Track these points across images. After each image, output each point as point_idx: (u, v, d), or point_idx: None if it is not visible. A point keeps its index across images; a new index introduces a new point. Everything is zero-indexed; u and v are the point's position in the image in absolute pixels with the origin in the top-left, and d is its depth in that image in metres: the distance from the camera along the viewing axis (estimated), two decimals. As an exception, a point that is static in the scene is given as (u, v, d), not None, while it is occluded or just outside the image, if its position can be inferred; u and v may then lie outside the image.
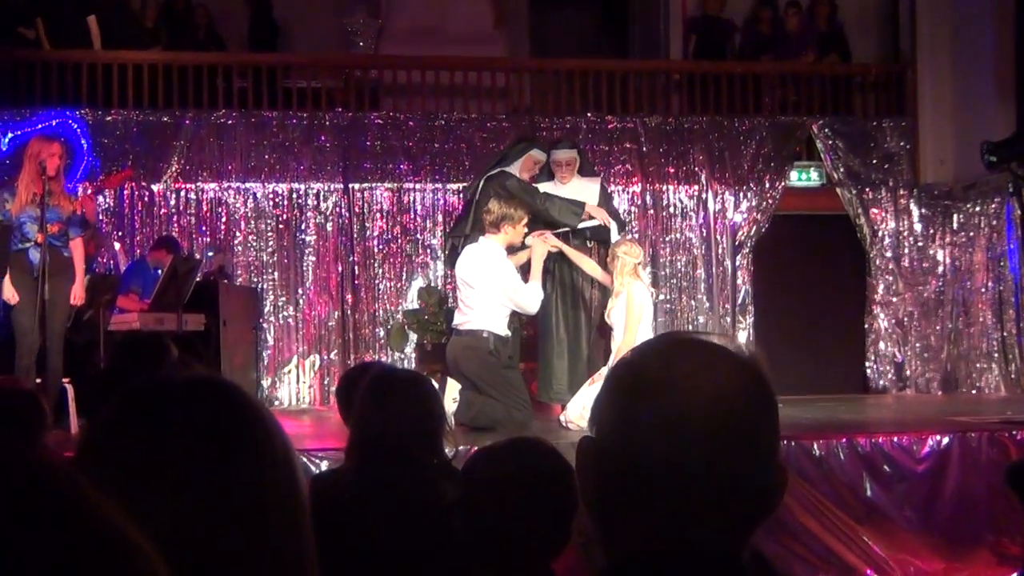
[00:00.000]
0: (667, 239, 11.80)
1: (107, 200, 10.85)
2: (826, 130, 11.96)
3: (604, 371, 7.48)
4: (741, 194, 11.84)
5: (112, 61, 11.13)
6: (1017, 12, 11.17)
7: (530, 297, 7.74)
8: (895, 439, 6.84)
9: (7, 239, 7.59)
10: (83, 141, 10.62)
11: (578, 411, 7.50)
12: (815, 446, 6.67)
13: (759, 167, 11.84)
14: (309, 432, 8.59)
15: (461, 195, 11.10)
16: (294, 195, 11.26)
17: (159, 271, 9.13)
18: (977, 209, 11.75)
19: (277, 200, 11.24)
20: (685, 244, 11.83)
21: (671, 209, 11.83)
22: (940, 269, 11.96)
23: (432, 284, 11.29)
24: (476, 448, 5.64)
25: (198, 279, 9.31)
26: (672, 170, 11.79)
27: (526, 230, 7.90)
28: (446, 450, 3.42)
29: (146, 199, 11.04)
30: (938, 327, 11.88)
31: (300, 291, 11.23)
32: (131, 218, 11.02)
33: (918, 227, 12.04)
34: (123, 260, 10.57)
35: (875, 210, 11.98)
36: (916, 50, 12.31)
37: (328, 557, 1.21)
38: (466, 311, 7.80)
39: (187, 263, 9.23)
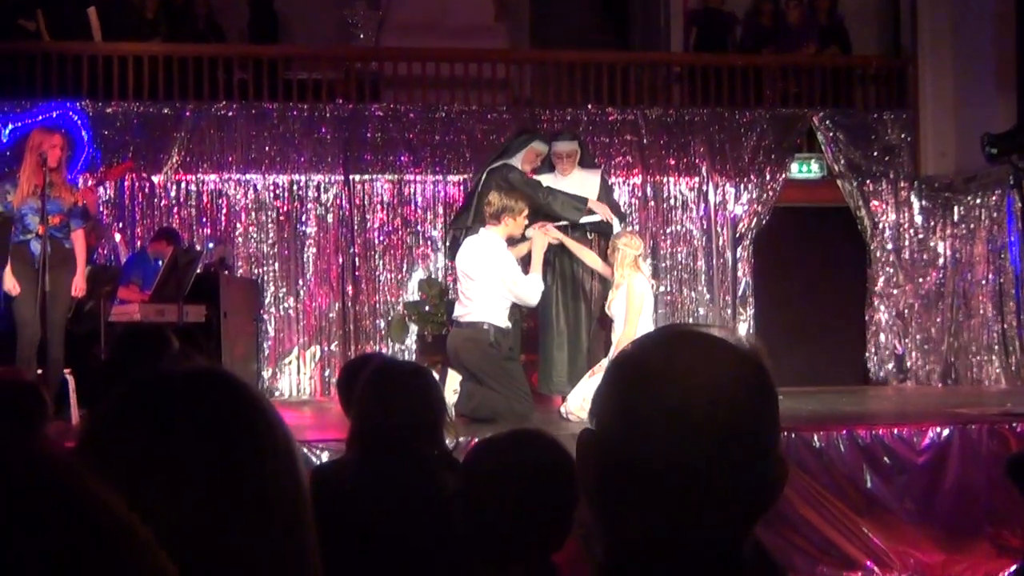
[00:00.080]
0: (668, 231, 11.80)
1: (107, 191, 10.85)
2: (827, 122, 11.95)
3: (605, 363, 7.48)
4: (742, 186, 11.83)
5: (112, 53, 11.12)
6: (1018, 5, 11.16)
7: (530, 289, 7.74)
8: (895, 431, 6.85)
9: (8, 231, 7.60)
10: (84, 132, 10.62)
11: (578, 403, 7.51)
12: (815, 438, 6.68)
13: (760, 159, 11.83)
14: (310, 423, 8.59)
15: (462, 187, 11.11)
16: (295, 187, 11.27)
17: (160, 262, 9.13)
18: (978, 201, 11.74)
19: (278, 192, 11.24)
20: (686, 236, 11.83)
21: (672, 201, 11.83)
22: (941, 261, 11.96)
23: (433, 276, 11.29)
24: (477, 439, 5.65)
25: (199, 270, 9.30)
26: (673, 162, 11.78)
27: (527, 222, 7.90)
28: (447, 441, 3.42)
29: (147, 190, 11.04)
30: (938, 319, 11.88)
31: (301, 282, 11.23)
32: (131, 209, 11.02)
33: (919, 219, 12.03)
34: (123, 251, 10.57)
35: (876, 202, 11.97)
36: (917, 42, 12.30)
37: (329, 548, 1.21)
38: (466, 303, 7.80)
39: (188, 254, 9.24)
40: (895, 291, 11.95)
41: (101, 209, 10.56)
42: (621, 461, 1.26)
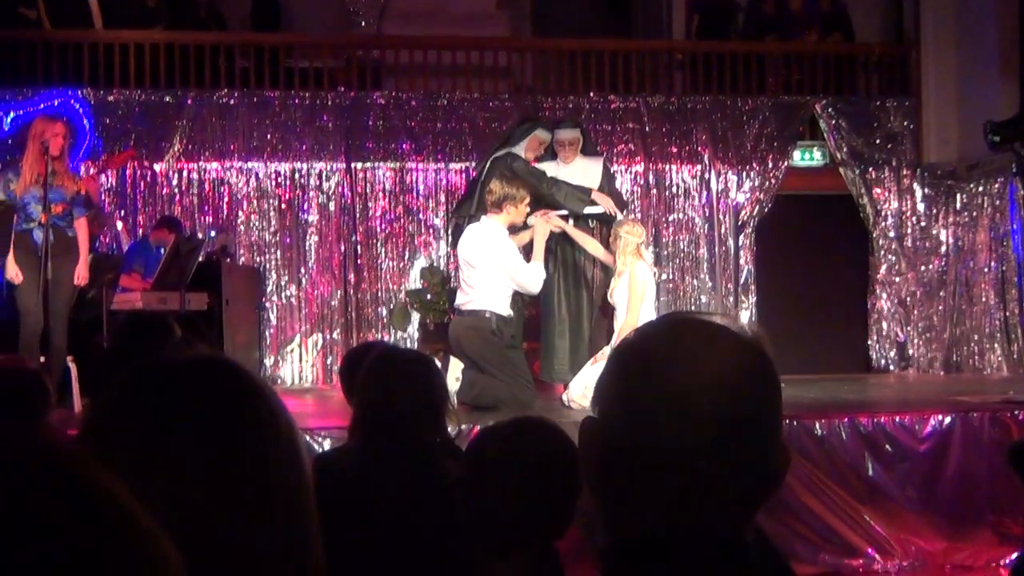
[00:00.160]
0: (670, 219, 11.80)
1: (109, 180, 10.85)
2: (829, 110, 11.93)
3: (607, 351, 7.49)
4: (744, 174, 11.82)
5: (113, 41, 11.10)
6: (1021, -9, 11.14)
7: (532, 277, 7.74)
8: (897, 419, 6.85)
9: (10, 219, 7.60)
10: (85, 121, 10.62)
11: (580, 390, 7.51)
12: (817, 425, 6.68)
13: (762, 147, 11.82)
14: (312, 411, 8.60)
15: (463, 175, 11.11)
16: (296, 175, 11.27)
17: (161, 250, 9.13)
18: (980, 189, 11.73)
19: (279, 180, 11.24)
20: (688, 224, 11.82)
21: (674, 189, 11.82)
22: (943, 249, 11.95)
23: (434, 264, 11.30)
24: (479, 427, 5.65)
25: (200, 259, 9.30)
26: (675, 150, 11.77)
27: (528, 210, 7.90)
28: (449, 429, 3.42)
29: (148, 179, 11.04)
30: (940, 307, 11.88)
31: (302, 271, 11.24)
32: (133, 198, 11.02)
33: (921, 207, 12.03)
34: (125, 239, 10.57)
35: (878, 190, 11.96)
36: (920, 30, 12.27)
37: (331, 536, 1.21)
38: (468, 291, 7.80)
39: (189, 243, 9.24)
40: (897, 279, 11.94)
41: (103, 197, 10.57)
42: (623, 449, 1.26)
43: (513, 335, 7.93)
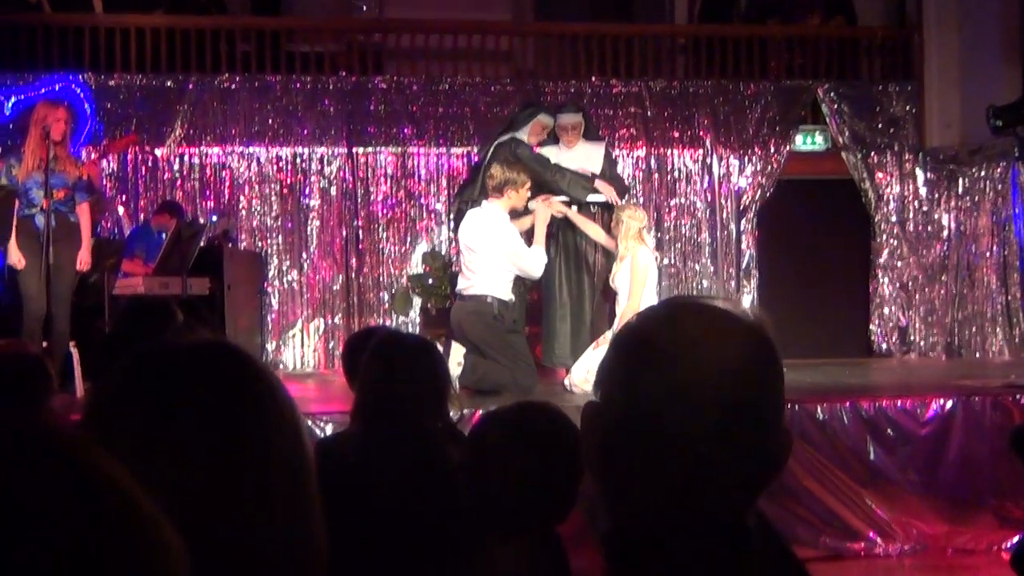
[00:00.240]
0: (671, 203, 11.78)
1: (111, 164, 10.85)
2: (831, 94, 11.91)
3: (609, 335, 7.49)
4: (746, 158, 11.81)
5: (114, 25, 11.08)
6: (1024, -25, 11.11)
7: (534, 261, 7.74)
8: (899, 403, 6.86)
9: (12, 204, 7.60)
10: (87, 105, 10.60)
11: (582, 375, 7.52)
12: (819, 410, 6.69)
13: (764, 131, 11.80)
14: (314, 396, 8.61)
15: (465, 159, 11.10)
16: (298, 159, 11.26)
17: (163, 235, 9.13)
18: (982, 173, 11.71)
19: (281, 164, 11.23)
20: (689, 208, 11.81)
21: (676, 173, 11.81)
22: (945, 233, 11.94)
23: (436, 248, 11.29)
24: (481, 412, 5.66)
25: (202, 243, 9.30)
26: (677, 134, 11.76)
27: (529, 194, 7.90)
28: (451, 413, 3.42)
29: (150, 163, 11.03)
30: (942, 291, 11.87)
31: (304, 255, 11.24)
32: (135, 182, 11.01)
33: (923, 191, 12.01)
34: (127, 224, 10.58)
35: (880, 174, 11.94)
36: (922, 13, 12.23)
37: (333, 520, 1.21)
38: (470, 276, 7.80)
39: (191, 227, 9.23)
40: (899, 263, 11.93)
41: (104, 182, 10.56)
42: (625, 433, 1.26)
43: (515, 320, 7.93)
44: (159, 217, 9.76)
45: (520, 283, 8.03)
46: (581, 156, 8.52)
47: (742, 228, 11.82)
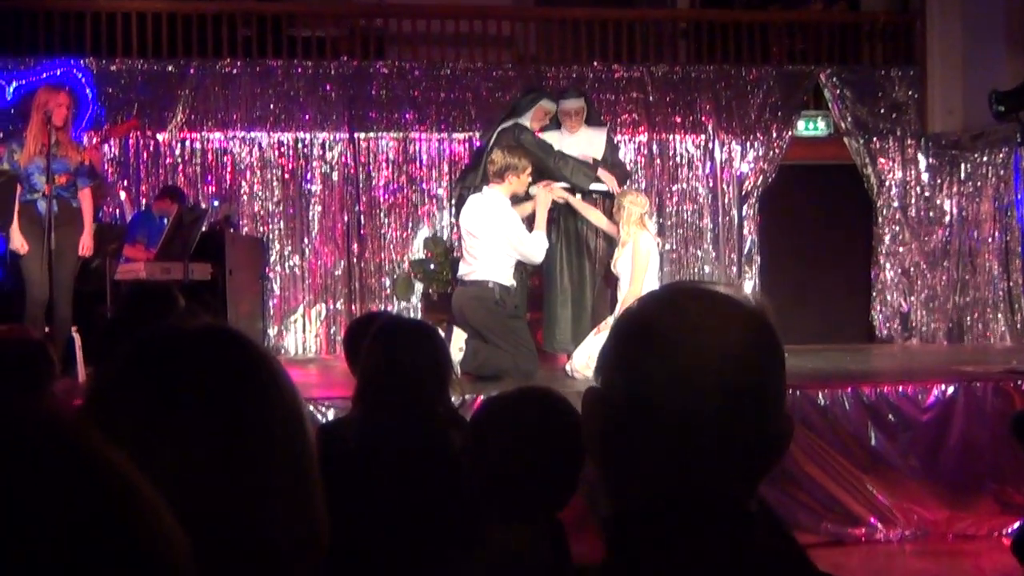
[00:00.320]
0: (673, 189, 11.78)
1: (112, 149, 10.85)
2: (834, 79, 11.89)
3: (610, 321, 7.48)
4: (748, 144, 11.80)
5: (116, 10, 11.07)
6: (1028, -41, 11.08)
7: (535, 246, 7.73)
8: (900, 389, 6.85)
9: (14, 189, 7.60)
10: (88, 90, 10.59)
11: (584, 360, 7.52)
12: (820, 395, 6.69)
13: (766, 116, 11.79)
14: (316, 381, 8.61)
15: (466, 144, 11.09)
16: (300, 144, 11.25)
17: (165, 221, 9.12)
18: (985, 159, 11.70)
19: (282, 149, 11.23)
20: (691, 194, 11.80)
21: (677, 159, 11.80)
22: (947, 219, 11.93)
23: (438, 234, 11.30)
24: (482, 397, 5.67)
25: (204, 229, 9.30)
26: (679, 119, 11.75)
27: (530, 180, 7.89)
28: (452, 399, 3.43)
29: (151, 148, 11.03)
30: (944, 277, 11.87)
31: (306, 240, 11.24)
32: (136, 167, 11.01)
33: (925, 177, 12.00)
34: (128, 209, 10.58)
35: (882, 160, 11.93)
36: (925, -2, 12.21)
37: (335, 505, 1.21)
38: (471, 261, 7.80)
39: (193, 212, 9.23)
40: (901, 249, 11.93)
41: (106, 167, 10.56)
42: (627, 419, 1.26)
43: (516, 305, 7.93)
44: (161, 202, 9.76)
45: (521, 269, 8.02)
46: (583, 141, 8.51)
47: (744, 214, 11.81)
